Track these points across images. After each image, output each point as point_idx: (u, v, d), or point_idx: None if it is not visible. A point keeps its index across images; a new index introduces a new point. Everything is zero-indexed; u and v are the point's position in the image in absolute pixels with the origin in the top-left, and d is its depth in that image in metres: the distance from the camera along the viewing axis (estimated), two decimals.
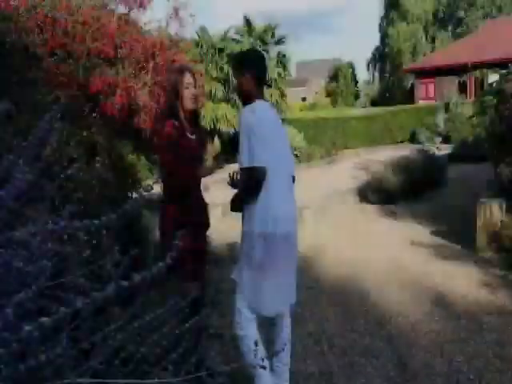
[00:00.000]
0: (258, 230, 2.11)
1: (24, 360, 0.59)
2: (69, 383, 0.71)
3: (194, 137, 2.38)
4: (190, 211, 2.30)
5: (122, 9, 4.31)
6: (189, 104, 2.32)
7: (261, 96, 2.25)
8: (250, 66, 2.23)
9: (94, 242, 2.11)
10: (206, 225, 2.47)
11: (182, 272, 1.97)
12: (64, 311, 0.57)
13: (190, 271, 2.20)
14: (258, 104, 2.19)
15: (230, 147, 10.73)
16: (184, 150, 2.26)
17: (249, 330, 2.16)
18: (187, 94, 2.30)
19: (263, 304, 2.13)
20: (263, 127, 2.09)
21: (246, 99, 2.25)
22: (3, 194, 0.63)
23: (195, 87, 2.35)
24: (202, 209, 2.42)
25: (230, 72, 10.19)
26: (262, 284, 2.11)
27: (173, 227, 2.28)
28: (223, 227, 5.17)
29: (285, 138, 2.34)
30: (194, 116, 2.41)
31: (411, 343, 2.90)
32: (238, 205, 2.23)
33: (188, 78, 2.31)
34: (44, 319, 0.56)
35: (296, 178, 2.37)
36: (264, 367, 1.96)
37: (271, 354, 2.20)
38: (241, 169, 2.12)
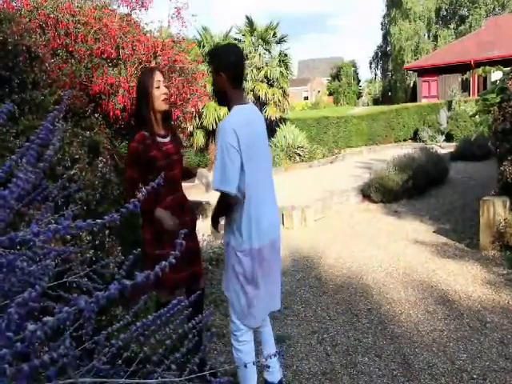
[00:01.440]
0: (244, 246, 2.03)
1: (28, 360, 0.59)
2: (72, 383, 0.71)
3: (167, 139, 2.30)
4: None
5: (123, 9, 4.32)
6: (161, 105, 2.24)
7: (239, 98, 2.06)
8: (225, 64, 2.01)
9: (97, 242, 2.12)
10: (191, 224, 2.37)
11: (159, 280, 1.92)
12: (68, 311, 0.57)
13: (168, 280, 2.13)
14: (235, 113, 2.02)
15: None
16: (156, 159, 2.19)
17: (245, 344, 2.13)
18: (158, 93, 2.22)
19: (255, 318, 2.11)
20: (243, 144, 1.94)
21: (222, 100, 2.11)
22: (6, 194, 0.64)
23: (166, 86, 2.30)
24: (181, 210, 2.31)
25: None
26: (254, 299, 2.06)
27: (150, 234, 2.26)
28: None
29: (265, 143, 2.18)
30: (166, 116, 2.33)
31: (414, 342, 2.89)
32: (215, 223, 2.16)
33: (158, 76, 2.24)
34: (48, 319, 0.56)
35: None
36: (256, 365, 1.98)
37: (263, 355, 2.24)
38: (213, 188, 2.02)
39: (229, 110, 2.08)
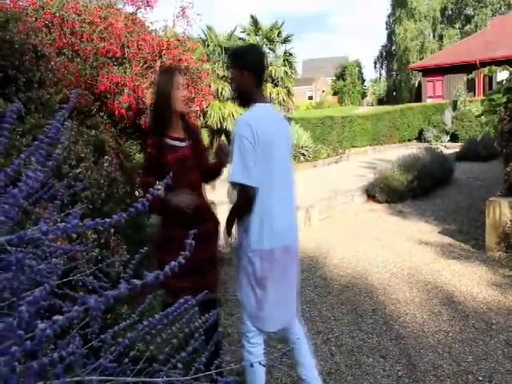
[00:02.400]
0: (254, 246, 1.97)
1: (35, 357, 0.59)
2: (78, 381, 0.71)
3: (185, 143, 2.20)
4: (174, 221, 2.14)
5: (129, 8, 4.33)
6: (181, 106, 2.17)
7: (260, 97, 2.05)
8: (250, 64, 2.01)
9: (102, 240, 2.12)
10: (206, 231, 2.17)
11: (166, 286, 1.89)
12: (78, 309, 0.57)
13: (169, 285, 2.04)
14: (255, 111, 2.00)
15: None
16: (168, 164, 2.09)
17: (256, 346, 2.08)
18: (179, 95, 2.13)
19: (264, 321, 2.05)
20: (257, 140, 1.90)
21: (244, 100, 2.07)
22: (16, 192, 0.64)
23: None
24: (199, 218, 2.14)
25: None
26: (263, 301, 2.01)
27: (159, 238, 2.22)
28: None
29: (286, 142, 2.10)
30: (183, 119, 2.24)
31: (419, 343, 2.88)
32: (230, 223, 2.07)
33: (178, 78, 2.15)
34: (58, 317, 0.56)
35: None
36: (264, 365, 1.94)
37: (299, 368, 2.17)
38: (231, 183, 1.96)
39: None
